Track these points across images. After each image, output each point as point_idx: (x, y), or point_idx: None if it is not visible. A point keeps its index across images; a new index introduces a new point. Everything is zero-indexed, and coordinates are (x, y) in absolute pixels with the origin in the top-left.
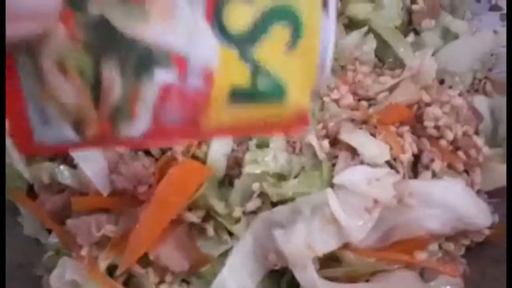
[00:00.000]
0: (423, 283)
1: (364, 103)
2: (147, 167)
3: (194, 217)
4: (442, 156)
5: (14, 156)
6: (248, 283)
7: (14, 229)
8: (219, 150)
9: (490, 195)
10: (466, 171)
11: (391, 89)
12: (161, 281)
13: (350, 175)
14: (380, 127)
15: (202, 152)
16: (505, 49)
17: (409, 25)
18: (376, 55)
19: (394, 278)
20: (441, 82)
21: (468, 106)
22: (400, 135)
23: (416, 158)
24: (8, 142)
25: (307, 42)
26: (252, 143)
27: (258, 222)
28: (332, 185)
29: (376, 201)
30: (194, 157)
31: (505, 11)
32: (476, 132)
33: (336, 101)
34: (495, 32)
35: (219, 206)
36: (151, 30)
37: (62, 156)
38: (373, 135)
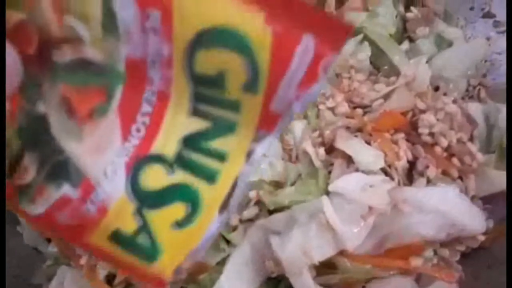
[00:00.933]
0: None
1: (359, 111)
2: None
3: None
4: (436, 163)
5: None
6: None
7: (13, 238)
8: None
9: (484, 201)
10: (460, 178)
11: (386, 97)
12: None
13: (345, 183)
14: (375, 135)
15: None
16: (498, 56)
17: (404, 33)
18: (371, 63)
19: (390, 284)
20: (436, 89)
21: (462, 113)
22: (395, 142)
23: (411, 165)
24: None
25: (196, 228)
26: None
27: (255, 229)
28: (328, 193)
29: (371, 208)
30: None
31: (497, 18)
32: (471, 139)
33: (332, 109)
34: (488, 39)
35: None
36: (78, 148)
37: None
38: (368, 142)
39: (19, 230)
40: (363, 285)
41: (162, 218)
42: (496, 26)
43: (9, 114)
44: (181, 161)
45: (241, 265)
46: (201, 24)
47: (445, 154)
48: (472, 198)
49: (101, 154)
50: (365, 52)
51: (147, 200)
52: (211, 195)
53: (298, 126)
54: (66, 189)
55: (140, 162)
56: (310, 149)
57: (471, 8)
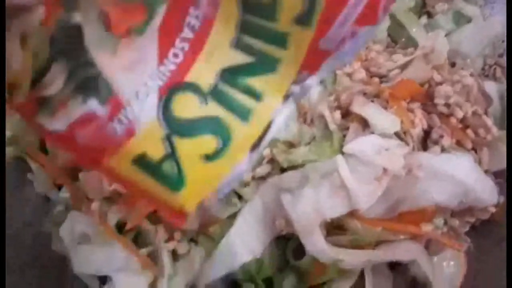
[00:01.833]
0: (427, 255)
1: (376, 79)
2: None
3: None
4: (451, 133)
5: None
6: (254, 246)
7: (25, 187)
8: None
9: (496, 175)
10: (474, 150)
11: (403, 67)
12: (170, 238)
13: (360, 145)
14: (392, 101)
15: None
16: None
17: (423, 8)
18: (389, 35)
19: (400, 248)
20: (453, 65)
21: (478, 88)
22: (411, 111)
23: (426, 134)
24: None
25: (223, 162)
26: None
27: (267, 186)
28: (342, 154)
29: (385, 170)
30: None
31: None
32: (486, 113)
33: (349, 75)
34: None
35: None
36: (111, 63)
37: None
38: (385, 108)
39: (30, 178)
40: (373, 247)
41: (191, 148)
42: None
43: (43, 21)
44: (216, 94)
45: (252, 221)
46: None
47: (460, 125)
48: (485, 172)
49: (135, 73)
50: (383, 24)
51: (178, 127)
52: (243, 133)
53: (314, 89)
54: (93, 105)
55: (174, 88)
56: (325, 112)
57: None
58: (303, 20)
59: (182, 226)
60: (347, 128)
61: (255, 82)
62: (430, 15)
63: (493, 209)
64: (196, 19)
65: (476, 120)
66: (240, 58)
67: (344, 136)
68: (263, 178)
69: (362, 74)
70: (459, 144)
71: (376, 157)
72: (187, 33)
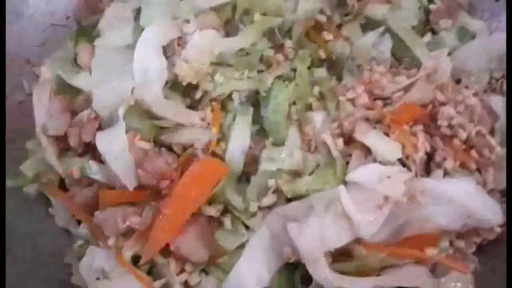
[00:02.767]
0: (433, 278)
1: (379, 102)
2: (169, 163)
3: (213, 211)
4: (454, 155)
5: (47, 151)
6: (263, 274)
7: (46, 220)
8: (237, 147)
9: (503, 194)
10: (479, 170)
11: (407, 89)
12: (182, 271)
13: (362, 173)
14: (394, 126)
15: (221, 149)
16: None
17: (427, 25)
18: (392, 55)
19: (404, 272)
20: (458, 81)
21: (483, 106)
22: (414, 134)
23: (429, 156)
24: (43, 138)
25: None
26: (269, 141)
27: (273, 216)
28: (345, 182)
29: (386, 198)
30: (214, 154)
31: None
32: (492, 131)
33: (352, 100)
34: None
35: (236, 201)
36: None
37: (91, 152)
38: (387, 134)
39: (51, 213)
40: (378, 273)
41: None
42: None
43: None
44: None
45: (260, 250)
46: None
47: (463, 146)
48: (491, 191)
49: None
50: (387, 44)
51: None
52: None
53: (318, 117)
54: None
55: None
56: (328, 140)
57: (497, 0)
58: None
59: None
60: (350, 155)
61: None
62: (434, 32)
63: (498, 229)
64: None
65: (480, 140)
66: None
67: (347, 163)
68: (269, 208)
69: (364, 99)
70: (463, 165)
71: (378, 185)
72: None
